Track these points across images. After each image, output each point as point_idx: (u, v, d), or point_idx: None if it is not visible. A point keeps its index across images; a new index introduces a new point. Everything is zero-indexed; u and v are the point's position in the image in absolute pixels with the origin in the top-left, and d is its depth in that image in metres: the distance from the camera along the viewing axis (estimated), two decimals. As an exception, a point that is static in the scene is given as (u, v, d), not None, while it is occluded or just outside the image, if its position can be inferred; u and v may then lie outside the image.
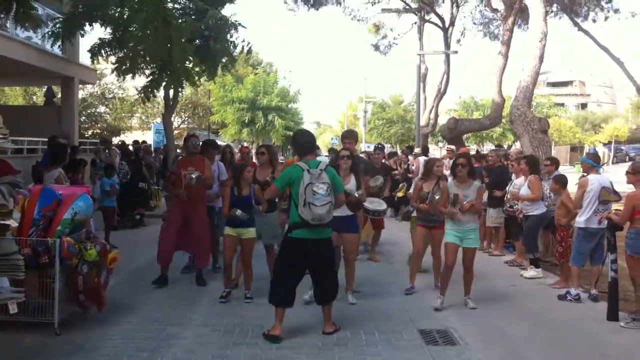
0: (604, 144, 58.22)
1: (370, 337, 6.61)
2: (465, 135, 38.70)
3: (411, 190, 9.91)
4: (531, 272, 9.76)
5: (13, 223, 5.58)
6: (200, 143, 9.36)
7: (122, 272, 8.48)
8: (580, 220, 8.41)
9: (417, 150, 19.80)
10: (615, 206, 8.22)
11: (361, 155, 10.54)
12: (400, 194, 16.71)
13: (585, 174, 8.72)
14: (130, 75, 15.40)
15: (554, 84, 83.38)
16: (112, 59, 15.53)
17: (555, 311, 7.91)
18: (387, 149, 30.02)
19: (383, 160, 12.16)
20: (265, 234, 8.40)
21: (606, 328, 7.23)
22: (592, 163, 8.69)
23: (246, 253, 7.91)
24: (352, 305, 7.73)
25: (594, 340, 6.77)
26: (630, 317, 7.32)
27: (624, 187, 7.92)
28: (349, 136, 8.92)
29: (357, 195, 7.62)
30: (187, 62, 14.89)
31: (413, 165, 17.76)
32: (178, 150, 18.50)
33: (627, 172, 7.60)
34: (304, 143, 6.79)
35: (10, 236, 5.89)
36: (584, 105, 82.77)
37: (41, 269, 6.39)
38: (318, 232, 6.39)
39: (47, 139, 15.40)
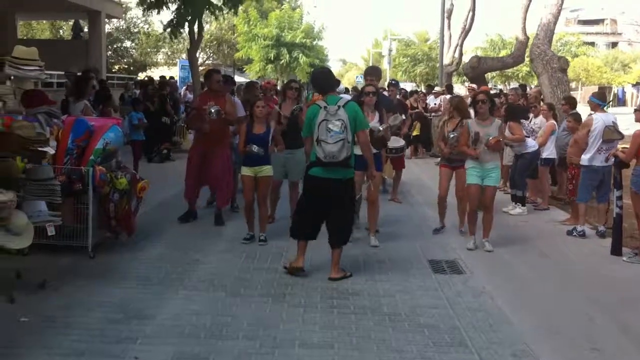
0: (633, 85, 57.24)
1: (382, 265, 7.05)
2: (490, 75, 38.47)
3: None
4: (517, 209, 10.08)
5: (50, 150, 5.99)
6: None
7: (150, 202, 8.88)
8: (584, 158, 8.65)
9: (437, 88, 19.85)
10: (622, 145, 8.43)
11: (385, 93, 10.34)
12: (415, 133, 16.95)
13: (592, 113, 8.89)
14: (156, 9, 15.52)
15: (585, 22, 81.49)
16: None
17: (561, 246, 8.25)
18: (412, 87, 30.01)
19: (398, 97, 11.92)
20: (290, 171, 8.56)
21: (609, 262, 7.57)
22: (598, 101, 8.86)
23: (261, 192, 7.80)
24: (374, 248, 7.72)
25: (595, 272, 7.13)
26: (633, 252, 7.64)
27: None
28: (373, 72, 8.75)
29: (380, 129, 7.51)
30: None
31: (434, 103, 17.93)
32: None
33: (636, 110, 7.79)
34: (323, 80, 6.74)
35: (46, 164, 6.35)
36: (614, 44, 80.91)
37: (75, 196, 6.86)
38: (333, 171, 6.31)
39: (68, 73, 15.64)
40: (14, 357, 4.49)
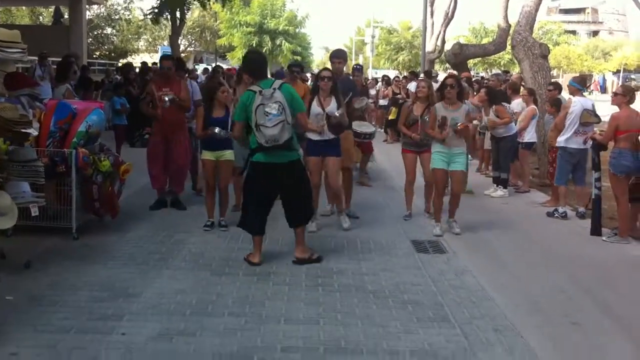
0: (613, 73, 57.76)
1: (365, 245, 7.11)
2: (472, 62, 38.65)
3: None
4: (498, 191, 10.19)
5: (33, 132, 5.98)
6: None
7: (133, 186, 8.86)
8: (560, 140, 8.78)
9: (422, 76, 19.92)
10: (601, 128, 8.57)
11: (351, 77, 10.12)
12: (391, 117, 17.04)
13: (571, 96, 9.05)
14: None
15: (566, 11, 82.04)
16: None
17: (542, 227, 8.38)
18: (395, 74, 30.08)
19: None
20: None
21: (588, 242, 7.69)
22: (577, 86, 9.08)
23: (223, 176, 7.63)
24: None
25: (575, 252, 7.23)
26: (613, 232, 7.77)
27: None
28: (339, 55, 8.58)
29: (337, 114, 7.21)
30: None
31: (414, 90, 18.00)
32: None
33: (615, 93, 7.91)
34: (259, 65, 6.51)
35: (29, 146, 6.33)
36: (595, 33, 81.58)
37: (58, 178, 6.85)
38: (278, 155, 6.11)
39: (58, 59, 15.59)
40: (1, 335, 4.50)
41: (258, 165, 6.21)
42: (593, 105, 8.92)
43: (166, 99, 8.10)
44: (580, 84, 9.18)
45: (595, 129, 8.58)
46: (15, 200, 5.57)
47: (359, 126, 8.57)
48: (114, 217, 7.47)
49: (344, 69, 8.92)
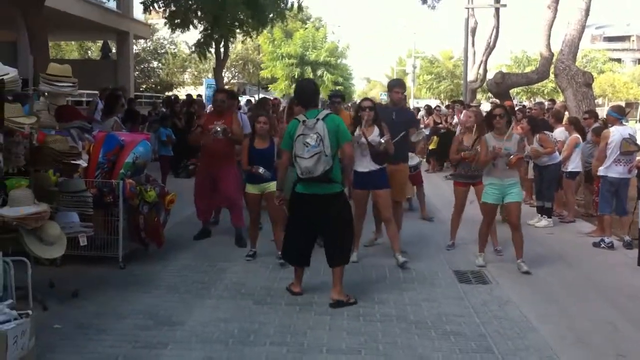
0: (660, 100, 56.67)
1: (407, 275, 7.10)
2: (515, 91, 38.38)
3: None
4: (543, 221, 10.06)
5: (83, 163, 6.19)
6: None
7: (178, 215, 9.01)
8: (600, 169, 8.79)
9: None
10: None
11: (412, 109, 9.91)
12: (432, 147, 17.02)
13: (610, 125, 8.99)
14: (184, 29, 15.80)
15: (611, 39, 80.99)
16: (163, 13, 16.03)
17: (588, 257, 8.23)
18: (436, 104, 30.05)
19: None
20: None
21: (635, 272, 7.55)
22: (616, 115, 9.02)
23: (272, 208, 7.28)
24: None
25: (622, 282, 7.10)
26: (661, 263, 7.61)
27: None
28: (398, 84, 8.46)
29: (382, 141, 7.15)
30: (239, 15, 15.22)
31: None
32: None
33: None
34: (309, 94, 6.35)
35: (78, 177, 6.53)
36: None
37: (106, 208, 7.02)
38: (315, 186, 5.96)
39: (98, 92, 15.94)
40: (49, 361, 4.62)
41: (298, 196, 6.12)
42: (632, 134, 8.88)
43: (218, 129, 7.90)
44: (619, 112, 9.09)
45: (632, 158, 8.50)
46: (64, 230, 5.74)
47: None
48: (159, 246, 7.60)
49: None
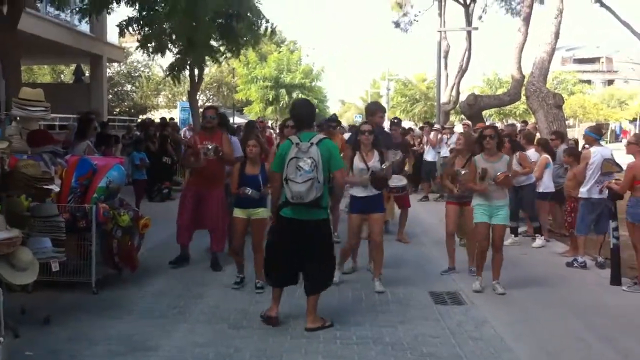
0: (630, 121, 57.73)
1: (383, 297, 7.10)
2: (488, 113, 38.80)
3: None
4: (538, 241, 10.17)
5: (55, 188, 6.12)
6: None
7: (152, 240, 8.93)
8: (582, 191, 8.81)
9: (437, 126, 19.99)
10: (617, 176, 8.56)
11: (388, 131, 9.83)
12: (405, 168, 17.04)
13: (587, 146, 9.07)
14: (159, 53, 15.81)
15: (581, 61, 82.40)
16: (139, 36, 16.03)
17: (562, 277, 8.30)
18: (411, 126, 30.27)
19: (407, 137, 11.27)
20: None
21: (608, 292, 7.63)
22: (594, 136, 9.11)
23: (256, 235, 7.17)
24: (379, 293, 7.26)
25: (595, 302, 7.17)
26: (633, 282, 7.70)
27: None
28: (381, 109, 8.42)
29: (383, 168, 7.19)
30: (212, 40, 15.28)
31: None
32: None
33: (629, 143, 7.93)
34: (306, 114, 6.20)
35: (50, 201, 6.46)
36: (610, 82, 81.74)
37: (79, 233, 6.93)
38: (304, 212, 5.82)
39: (77, 116, 15.93)
40: (20, 390, 4.53)
41: (284, 220, 5.96)
42: (612, 155, 8.96)
43: (210, 147, 7.82)
44: (597, 133, 9.22)
45: (612, 178, 8.56)
46: (36, 256, 5.66)
47: (391, 181, 8.23)
48: (133, 271, 7.53)
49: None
